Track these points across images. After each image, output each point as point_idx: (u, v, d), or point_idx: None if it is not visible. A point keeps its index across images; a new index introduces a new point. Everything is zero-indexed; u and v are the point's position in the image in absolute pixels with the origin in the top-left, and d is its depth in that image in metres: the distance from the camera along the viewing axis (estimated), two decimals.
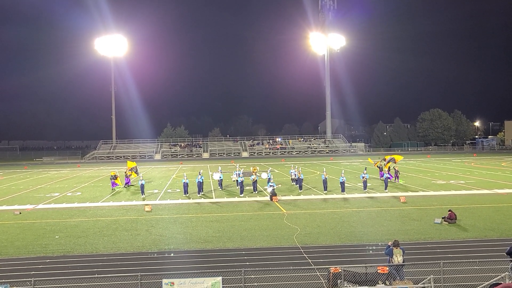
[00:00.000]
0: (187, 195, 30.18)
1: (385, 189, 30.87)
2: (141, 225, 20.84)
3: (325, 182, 30.81)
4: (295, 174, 35.31)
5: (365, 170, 33.07)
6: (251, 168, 38.68)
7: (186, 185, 30.50)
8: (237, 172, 34.60)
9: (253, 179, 31.42)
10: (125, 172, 37.74)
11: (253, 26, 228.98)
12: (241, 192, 30.06)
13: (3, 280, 11.72)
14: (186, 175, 31.52)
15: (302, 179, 32.63)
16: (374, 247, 16.04)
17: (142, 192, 30.51)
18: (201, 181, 31.06)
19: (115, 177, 35.51)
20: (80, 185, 38.64)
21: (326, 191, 30.39)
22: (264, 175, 33.86)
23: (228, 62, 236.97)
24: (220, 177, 33.46)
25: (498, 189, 30.38)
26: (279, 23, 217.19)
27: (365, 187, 30.77)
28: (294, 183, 35.09)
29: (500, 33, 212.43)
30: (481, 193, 29.17)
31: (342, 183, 30.11)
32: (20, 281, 12.08)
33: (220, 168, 36.90)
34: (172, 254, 15.68)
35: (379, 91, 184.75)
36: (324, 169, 36.63)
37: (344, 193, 29.54)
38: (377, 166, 38.14)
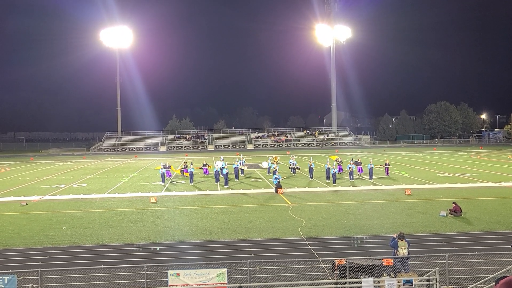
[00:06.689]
0: (219, 182, 31.95)
1: (327, 179, 32.07)
2: (147, 216, 20.96)
3: (327, 171, 32.43)
4: (294, 164, 37.88)
5: (334, 163, 34.19)
6: (273, 156, 42.57)
7: (218, 174, 32.56)
8: (241, 161, 36.67)
9: (274, 168, 33.21)
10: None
11: (258, 17, 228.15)
12: (226, 183, 30.90)
13: (10, 271, 11.82)
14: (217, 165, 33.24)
15: (313, 168, 34.83)
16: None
17: (217, 180, 32.43)
18: (192, 171, 33.15)
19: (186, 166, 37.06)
20: (85, 177, 38.85)
21: (328, 180, 31.73)
22: (265, 164, 35.33)
23: (233, 53, 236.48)
24: (222, 165, 34.18)
25: (504, 182, 30.22)
26: (285, 14, 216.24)
27: (334, 181, 30.87)
28: (292, 171, 37.63)
29: (508, 24, 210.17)
30: (487, 186, 29.02)
31: (334, 175, 31.06)
32: (27, 271, 12.21)
33: (222, 157, 37.43)
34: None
35: (385, 83, 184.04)
36: (328, 159, 36.87)
37: (335, 184, 30.18)
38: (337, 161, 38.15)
